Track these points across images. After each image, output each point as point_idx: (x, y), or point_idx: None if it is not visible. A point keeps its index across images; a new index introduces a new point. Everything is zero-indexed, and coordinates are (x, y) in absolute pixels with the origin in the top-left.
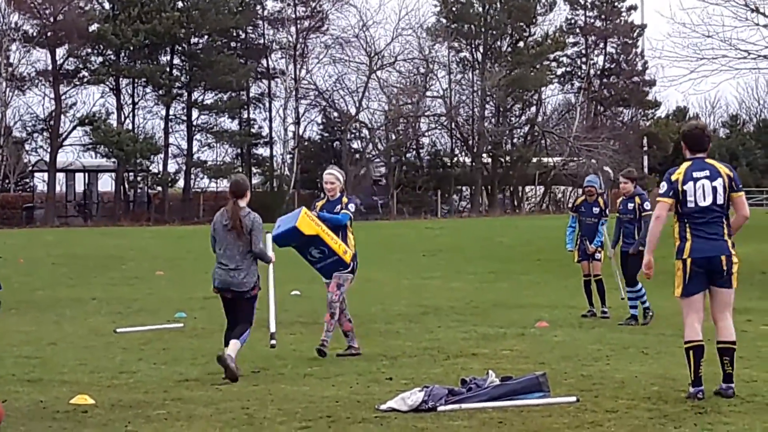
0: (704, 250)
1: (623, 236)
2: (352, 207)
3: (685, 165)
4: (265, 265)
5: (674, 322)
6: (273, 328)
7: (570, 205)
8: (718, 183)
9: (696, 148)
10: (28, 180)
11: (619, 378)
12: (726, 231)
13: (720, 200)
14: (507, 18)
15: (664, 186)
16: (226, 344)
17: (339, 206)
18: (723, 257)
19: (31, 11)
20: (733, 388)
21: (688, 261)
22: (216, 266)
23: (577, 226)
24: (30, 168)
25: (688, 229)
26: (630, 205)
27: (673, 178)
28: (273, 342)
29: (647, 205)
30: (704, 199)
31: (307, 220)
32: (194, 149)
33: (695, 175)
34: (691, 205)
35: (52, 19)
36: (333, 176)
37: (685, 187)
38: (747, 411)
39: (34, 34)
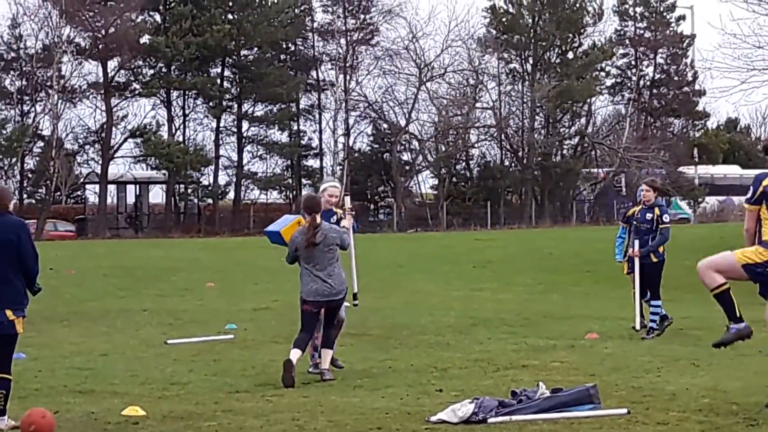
0: None
1: (639, 246)
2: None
3: None
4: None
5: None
6: (356, 289)
7: (622, 216)
8: None
9: None
10: (79, 192)
11: (670, 390)
12: None
13: None
14: (556, 29)
15: (751, 191)
16: (299, 348)
17: (335, 216)
18: None
19: (83, 24)
20: None
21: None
22: (310, 281)
23: (627, 237)
24: (81, 180)
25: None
26: (649, 216)
27: (765, 182)
28: (356, 302)
29: (666, 218)
30: None
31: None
32: (244, 161)
33: None
34: None
35: (103, 32)
36: (337, 189)
37: None
38: None
39: (86, 46)
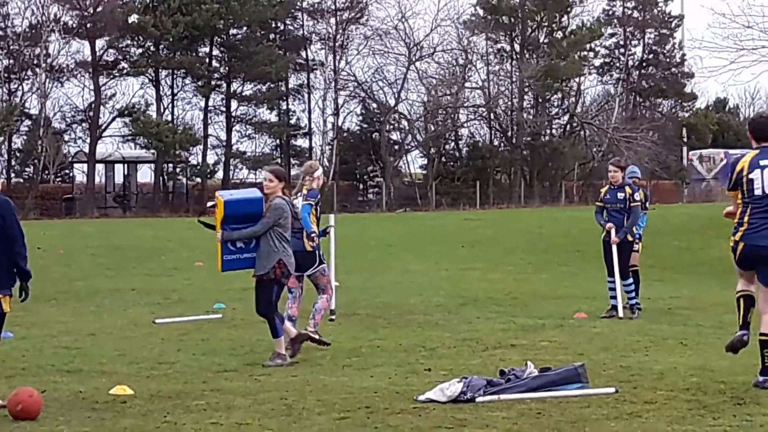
0: (757, 238)
1: (615, 234)
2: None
3: (752, 153)
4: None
5: (713, 314)
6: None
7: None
8: None
9: (762, 138)
10: (67, 171)
11: (658, 369)
12: None
13: None
14: (543, 9)
15: (729, 178)
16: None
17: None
18: None
19: (71, 2)
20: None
21: (740, 245)
22: (287, 249)
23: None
24: (69, 159)
25: (747, 215)
26: (620, 195)
27: (738, 167)
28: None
29: (637, 196)
30: None
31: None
32: (233, 140)
33: (762, 163)
34: (758, 192)
35: (91, 10)
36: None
37: (751, 176)
38: None
39: (74, 25)
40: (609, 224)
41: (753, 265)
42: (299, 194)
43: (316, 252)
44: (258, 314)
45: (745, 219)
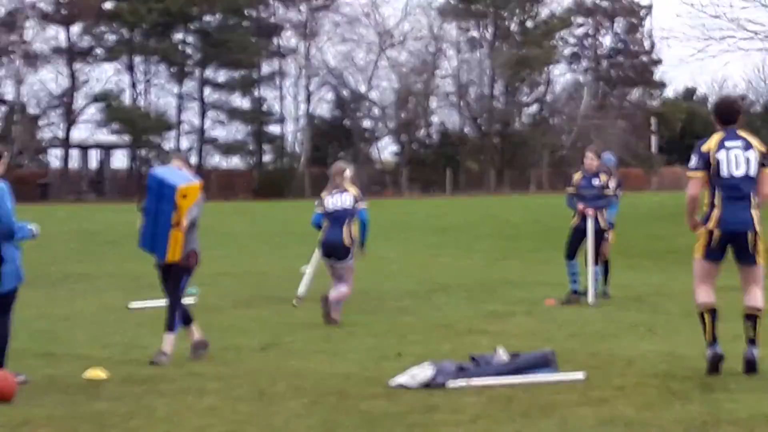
0: (731, 222)
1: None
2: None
3: (718, 135)
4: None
5: (682, 301)
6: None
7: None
8: (751, 154)
9: (727, 120)
10: (42, 156)
11: (627, 356)
12: (754, 202)
13: (752, 171)
14: None
15: (693, 159)
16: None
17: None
18: (749, 233)
19: None
20: (754, 354)
21: (715, 232)
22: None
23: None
24: (44, 144)
25: (717, 198)
26: (596, 182)
27: (704, 149)
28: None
29: (612, 184)
30: (737, 168)
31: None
32: (206, 126)
33: (728, 144)
34: (724, 174)
35: None
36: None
37: (717, 156)
38: (755, 389)
39: (49, 11)
40: (581, 204)
41: (725, 248)
42: (335, 193)
43: (352, 249)
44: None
45: (715, 202)
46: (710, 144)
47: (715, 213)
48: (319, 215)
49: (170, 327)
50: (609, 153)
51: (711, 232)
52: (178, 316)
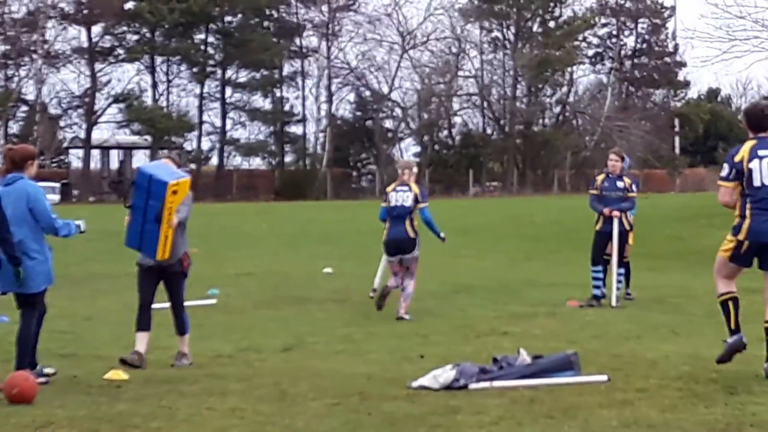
0: (761, 233)
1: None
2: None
3: (750, 144)
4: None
5: (705, 303)
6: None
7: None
8: None
9: (758, 128)
10: (63, 156)
11: (650, 358)
12: None
13: None
14: None
15: (725, 169)
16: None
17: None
18: None
19: None
20: None
21: (745, 243)
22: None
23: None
24: (65, 145)
25: (748, 208)
26: (620, 184)
27: (737, 158)
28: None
29: (634, 188)
30: None
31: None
32: (228, 127)
33: (761, 153)
34: (756, 183)
35: None
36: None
37: (750, 166)
38: None
39: (71, 11)
40: (606, 209)
41: (753, 258)
42: (399, 189)
43: (417, 240)
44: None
45: (747, 213)
46: (743, 153)
47: (746, 224)
48: (384, 210)
49: (182, 330)
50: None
51: (740, 242)
52: (186, 318)
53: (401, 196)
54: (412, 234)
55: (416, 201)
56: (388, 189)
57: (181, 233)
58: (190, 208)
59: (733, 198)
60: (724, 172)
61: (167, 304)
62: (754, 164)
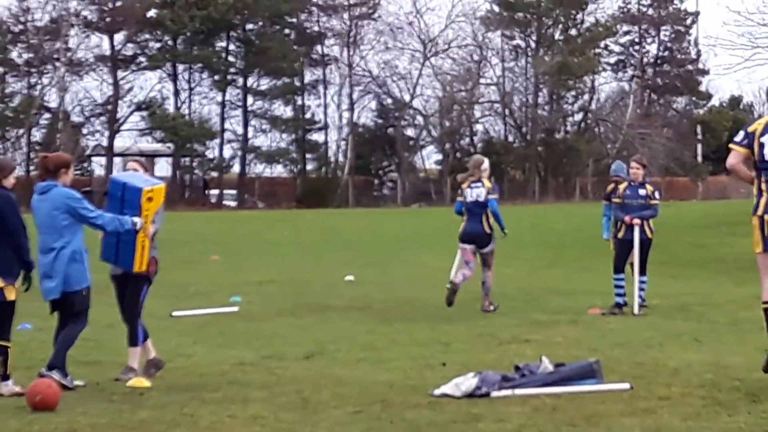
0: None
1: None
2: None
3: (765, 119)
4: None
5: (727, 310)
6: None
7: (605, 194)
8: None
9: None
10: (85, 164)
11: (673, 365)
12: None
13: None
14: (558, 5)
15: (740, 135)
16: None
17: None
18: None
19: None
20: None
21: (765, 218)
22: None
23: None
24: (87, 152)
25: (763, 182)
26: (642, 192)
27: (750, 129)
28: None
29: (657, 195)
30: None
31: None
32: (249, 135)
33: None
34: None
35: (110, 5)
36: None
37: (762, 140)
38: None
39: (93, 19)
40: (628, 217)
41: None
42: (473, 186)
43: (492, 235)
44: (125, 316)
45: (762, 187)
46: (757, 125)
47: (763, 200)
48: (460, 203)
49: (133, 342)
50: (619, 162)
51: (761, 219)
52: (141, 329)
53: (475, 192)
54: (487, 229)
55: (488, 193)
56: (463, 185)
57: (152, 239)
58: (162, 216)
59: (742, 165)
60: (738, 138)
61: (192, 311)
62: (765, 139)
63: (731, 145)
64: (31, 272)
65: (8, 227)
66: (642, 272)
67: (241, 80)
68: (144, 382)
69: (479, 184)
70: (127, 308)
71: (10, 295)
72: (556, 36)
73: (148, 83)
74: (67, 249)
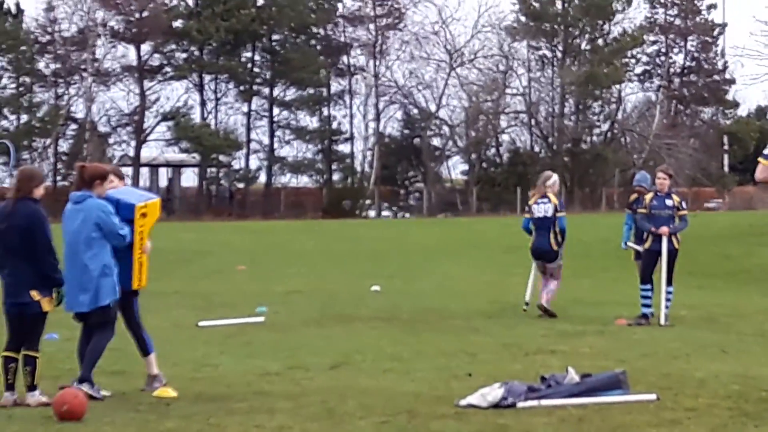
0: None
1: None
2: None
3: None
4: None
5: (754, 321)
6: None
7: (627, 203)
8: None
9: None
10: None
11: (699, 376)
12: None
13: None
14: (585, 15)
15: None
16: None
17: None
18: None
19: (117, 7)
20: None
21: None
22: None
23: (633, 224)
24: (114, 162)
25: None
26: (669, 202)
27: None
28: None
29: (684, 205)
30: None
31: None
32: (275, 145)
33: None
34: None
35: (137, 15)
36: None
37: None
38: None
39: (120, 29)
40: (663, 228)
41: None
42: (540, 201)
43: (559, 251)
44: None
45: None
46: None
47: None
48: (527, 220)
49: (145, 351)
50: (642, 173)
51: None
52: (147, 338)
53: (543, 208)
54: (555, 246)
55: (556, 210)
56: (530, 201)
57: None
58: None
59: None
60: (766, 150)
61: (218, 321)
62: None
63: (760, 159)
64: (62, 287)
65: (37, 245)
66: (668, 283)
67: (266, 90)
68: (170, 392)
69: (546, 199)
70: (128, 322)
71: (45, 306)
72: (583, 46)
73: (174, 93)
74: (97, 262)
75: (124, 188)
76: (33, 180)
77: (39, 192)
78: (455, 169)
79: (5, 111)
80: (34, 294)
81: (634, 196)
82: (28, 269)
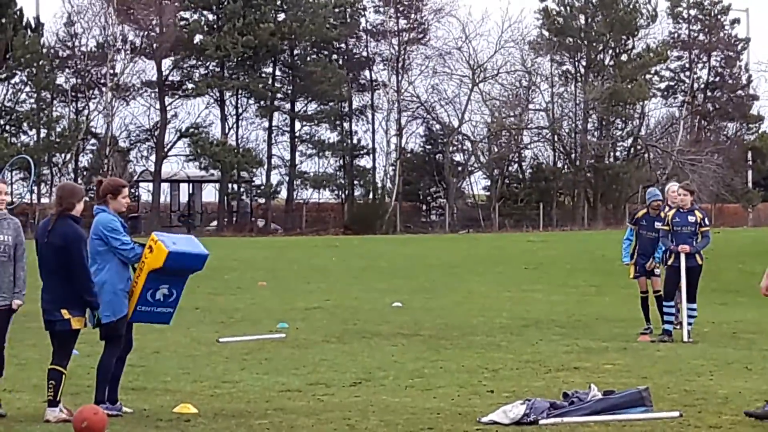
0: None
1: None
2: None
3: None
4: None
5: None
6: None
7: (631, 218)
8: None
9: None
10: (133, 190)
11: (723, 394)
12: None
13: None
14: (608, 31)
15: None
16: None
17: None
18: None
19: (137, 23)
20: None
21: None
22: None
23: (634, 240)
24: (135, 178)
25: None
26: (691, 219)
27: None
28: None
29: (707, 221)
30: None
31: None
32: (297, 160)
33: None
34: None
35: (157, 30)
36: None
37: None
38: None
39: (140, 45)
40: (683, 246)
41: None
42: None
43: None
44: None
45: None
46: None
47: None
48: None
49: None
50: (655, 188)
51: None
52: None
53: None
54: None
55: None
56: (638, 215)
57: None
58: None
59: None
60: None
61: (239, 338)
62: None
63: None
64: (96, 309)
65: (71, 265)
66: (691, 300)
67: (287, 105)
68: (191, 408)
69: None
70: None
71: (75, 325)
72: (606, 61)
73: (195, 109)
74: (98, 277)
75: (185, 237)
76: (74, 195)
77: (80, 208)
78: (477, 184)
79: (25, 126)
80: (65, 312)
81: (643, 212)
82: (60, 287)
